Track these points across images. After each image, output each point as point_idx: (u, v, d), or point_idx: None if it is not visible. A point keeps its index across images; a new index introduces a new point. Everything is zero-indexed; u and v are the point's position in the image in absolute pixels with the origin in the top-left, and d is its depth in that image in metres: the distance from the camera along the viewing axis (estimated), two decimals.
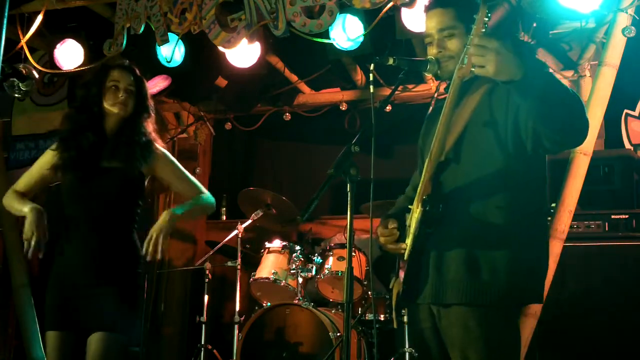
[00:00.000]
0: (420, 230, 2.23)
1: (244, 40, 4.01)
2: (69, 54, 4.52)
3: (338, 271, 4.59)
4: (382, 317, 4.60)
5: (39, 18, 4.32)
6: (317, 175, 5.78)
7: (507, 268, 2.14)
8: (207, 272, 4.91)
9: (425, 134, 2.50)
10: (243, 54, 4.33)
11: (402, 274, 2.32)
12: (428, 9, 2.36)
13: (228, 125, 5.82)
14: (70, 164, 2.91)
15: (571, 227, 3.84)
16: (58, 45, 4.52)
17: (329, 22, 3.76)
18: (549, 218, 3.79)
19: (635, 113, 5.11)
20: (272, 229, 5.42)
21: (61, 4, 4.37)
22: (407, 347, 4.15)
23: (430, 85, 5.21)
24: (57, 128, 3.06)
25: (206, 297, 4.88)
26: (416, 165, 2.57)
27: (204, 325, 4.85)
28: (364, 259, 4.68)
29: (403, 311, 3.98)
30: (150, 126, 3.06)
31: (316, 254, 4.79)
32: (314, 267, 4.69)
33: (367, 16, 3.88)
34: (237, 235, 4.92)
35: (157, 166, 3.03)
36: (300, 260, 4.69)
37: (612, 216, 3.97)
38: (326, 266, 4.66)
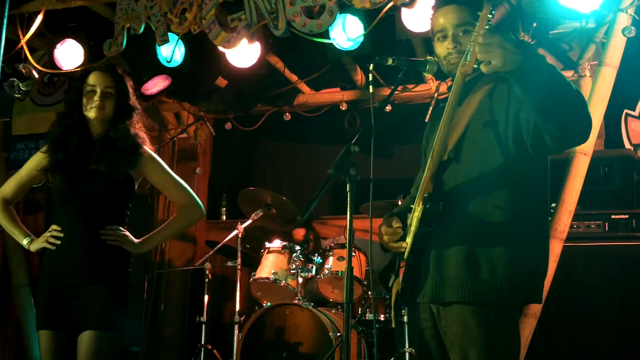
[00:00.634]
0: (420, 228, 2.23)
1: (244, 40, 4.01)
2: (69, 54, 4.51)
3: (338, 271, 4.59)
4: (382, 317, 4.60)
5: (39, 18, 4.32)
6: (317, 175, 5.78)
7: (507, 267, 2.14)
8: (207, 272, 4.91)
9: (429, 133, 2.51)
10: (243, 54, 4.33)
11: (401, 273, 2.32)
12: (442, 4, 2.35)
13: (228, 125, 5.82)
14: (59, 166, 2.94)
15: (571, 227, 3.84)
16: (58, 45, 4.52)
17: (329, 22, 3.76)
18: (549, 218, 3.79)
19: (635, 113, 5.11)
20: (272, 229, 5.42)
21: (61, 4, 4.37)
22: (407, 347, 4.15)
23: (430, 85, 5.20)
24: (47, 131, 3.07)
25: (206, 297, 4.88)
26: (418, 165, 2.57)
27: (204, 325, 4.85)
28: (364, 259, 4.68)
29: (403, 311, 4.01)
30: (136, 127, 3.05)
31: (316, 254, 4.79)
32: (314, 267, 4.69)
33: (367, 16, 3.88)
34: (237, 235, 4.92)
35: (145, 170, 3.05)
36: (300, 260, 4.69)
37: (612, 216, 3.97)
38: (326, 266, 4.66)
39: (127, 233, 2.98)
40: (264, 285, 4.82)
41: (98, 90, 2.96)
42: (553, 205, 3.82)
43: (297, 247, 4.81)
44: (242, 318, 4.68)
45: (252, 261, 5.18)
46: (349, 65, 5.16)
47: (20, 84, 4.55)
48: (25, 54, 4.43)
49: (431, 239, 2.25)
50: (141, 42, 4.28)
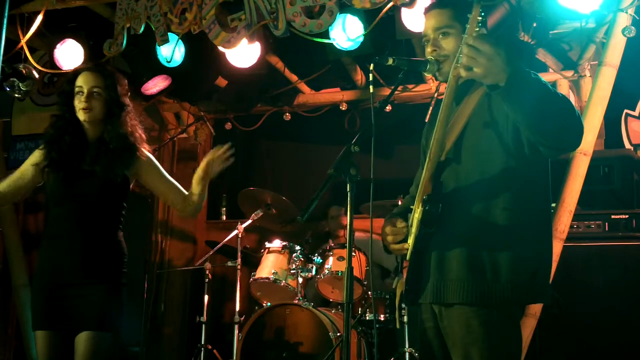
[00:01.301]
0: (420, 230, 2.23)
1: (244, 40, 4.01)
2: (69, 54, 4.51)
3: (338, 271, 4.59)
4: (382, 317, 4.60)
5: (39, 18, 4.32)
6: (317, 175, 5.78)
7: (510, 268, 2.14)
8: (207, 272, 4.91)
9: (428, 133, 2.50)
10: (243, 54, 4.33)
11: (405, 274, 2.32)
12: (426, 10, 2.39)
13: (228, 125, 5.82)
14: (53, 165, 2.93)
15: (571, 227, 3.84)
16: (58, 45, 4.51)
17: (329, 22, 3.76)
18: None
19: (635, 113, 5.11)
20: (272, 229, 5.42)
21: (61, 4, 4.37)
22: (407, 347, 4.15)
23: (430, 85, 5.21)
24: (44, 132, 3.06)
25: (206, 297, 4.88)
26: (419, 165, 2.57)
27: (204, 325, 4.85)
28: (364, 259, 4.68)
29: (403, 311, 4.01)
30: (129, 126, 3.00)
31: (316, 254, 4.79)
32: (314, 267, 4.69)
33: (367, 16, 3.88)
34: (237, 235, 4.92)
35: (140, 171, 3.02)
36: (300, 260, 4.69)
37: (612, 216, 3.97)
38: (326, 266, 4.66)
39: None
40: (264, 285, 4.82)
41: (85, 91, 2.93)
42: (553, 205, 3.82)
43: (297, 247, 4.81)
44: (242, 318, 4.68)
45: (252, 261, 5.18)
46: (349, 65, 5.16)
47: (20, 84, 4.55)
48: (25, 54, 4.43)
49: (432, 240, 2.25)
50: (141, 42, 4.28)
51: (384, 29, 3.93)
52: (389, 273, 5.00)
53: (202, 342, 4.85)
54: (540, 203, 2.25)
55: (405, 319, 4.13)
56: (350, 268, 2.17)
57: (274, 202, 5.06)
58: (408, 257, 2.28)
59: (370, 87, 2.26)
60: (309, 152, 6.27)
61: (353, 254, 4.47)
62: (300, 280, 4.65)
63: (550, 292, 2.27)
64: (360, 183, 2.18)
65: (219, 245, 5.03)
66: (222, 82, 5.10)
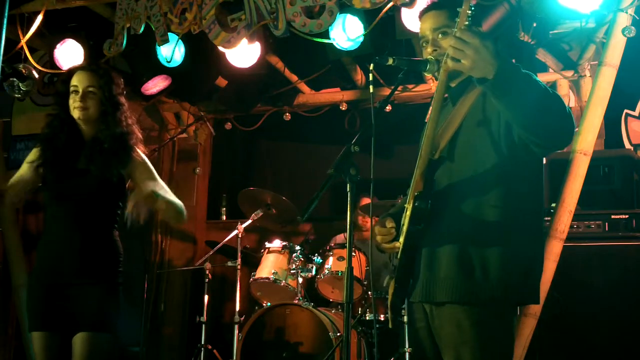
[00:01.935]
0: (410, 226, 2.22)
1: (244, 40, 4.01)
2: (69, 54, 4.51)
3: (338, 271, 4.59)
4: (382, 317, 4.60)
5: (39, 18, 4.32)
6: (317, 175, 5.78)
7: (501, 267, 2.14)
8: (207, 272, 4.91)
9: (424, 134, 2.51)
10: (243, 54, 4.33)
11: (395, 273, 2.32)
12: (422, 13, 2.39)
13: (228, 125, 5.82)
14: (47, 162, 2.93)
15: (571, 227, 3.84)
16: (58, 45, 4.51)
17: (329, 22, 3.76)
18: (549, 218, 3.79)
19: (635, 113, 5.11)
20: (272, 229, 5.42)
21: (61, 4, 4.37)
22: (407, 347, 4.15)
23: (430, 85, 5.21)
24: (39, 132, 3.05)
25: (206, 297, 4.88)
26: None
27: (204, 325, 4.85)
28: (364, 259, 4.68)
29: (403, 311, 4.01)
30: (124, 125, 2.99)
31: (316, 254, 4.79)
32: (314, 267, 4.69)
33: (367, 16, 3.88)
34: (237, 235, 4.92)
35: (133, 172, 3.00)
36: (300, 260, 4.69)
37: (612, 216, 3.97)
38: (326, 266, 4.66)
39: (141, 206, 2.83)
40: (264, 285, 4.82)
41: (80, 90, 2.93)
42: (553, 205, 3.82)
43: (297, 247, 4.81)
44: (242, 318, 4.68)
45: (252, 261, 5.18)
46: (349, 65, 5.16)
47: (20, 84, 4.55)
48: (25, 54, 4.43)
49: (423, 237, 2.25)
50: (141, 42, 4.28)
51: (384, 29, 3.93)
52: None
53: (202, 342, 4.85)
54: (532, 203, 2.25)
55: (406, 318, 4.13)
56: (350, 268, 2.17)
57: (274, 202, 5.06)
58: (399, 255, 2.28)
59: (370, 87, 2.25)
60: (309, 152, 6.27)
61: (353, 254, 4.47)
62: (300, 280, 4.65)
63: (538, 293, 2.25)
64: (360, 183, 2.18)
65: (219, 245, 5.03)
66: (222, 82, 5.10)
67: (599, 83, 3.85)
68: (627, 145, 5.04)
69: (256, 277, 4.77)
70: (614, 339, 3.80)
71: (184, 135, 5.93)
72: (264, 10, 3.87)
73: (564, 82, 4.97)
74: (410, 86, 5.31)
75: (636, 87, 4.84)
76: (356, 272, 4.52)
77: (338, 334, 4.22)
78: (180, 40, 4.23)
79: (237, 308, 4.75)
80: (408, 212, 2.23)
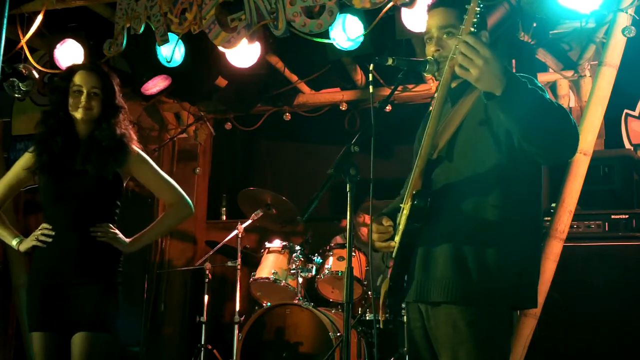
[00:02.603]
0: (408, 225, 2.22)
1: (244, 40, 4.01)
2: (69, 54, 4.51)
3: (338, 271, 4.59)
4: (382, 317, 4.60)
5: (39, 18, 4.32)
6: (317, 175, 5.78)
7: (497, 267, 2.13)
8: (207, 272, 4.91)
9: (421, 134, 2.50)
10: (243, 54, 4.33)
11: (389, 272, 2.31)
12: (431, 7, 2.35)
13: (228, 125, 5.82)
14: (44, 167, 2.93)
15: (571, 227, 3.83)
16: (58, 45, 4.51)
17: (329, 22, 3.76)
18: (549, 218, 3.79)
19: (635, 113, 5.11)
20: (272, 229, 5.42)
21: (61, 4, 4.37)
22: (407, 347, 4.15)
23: (430, 85, 5.21)
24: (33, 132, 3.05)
25: (206, 297, 4.88)
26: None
27: (204, 325, 4.85)
28: (364, 259, 4.68)
29: (403, 311, 4.00)
30: (123, 126, 3.01)
31: (316, 254, 4.79)
32: (314, 267, 4.69)
33: (367, 16, 3.88)
34: (237, 235, 4.92)
35: (132, 169, 3.02)
36: (300, 260, 4.69)
37: (612, 216, 3.97)
38: (326, 266, 4.66)
39: (117, 231, 2.96)
40: (264, 285, 4.82)
41: (85, 91, 2.93)
42: (553, 205, 3.82)
43: (297, 247, 4.81)
44: (242, 318, 4.68)
45: (252, 261, 5.18)
46: (349, 65, 5.16)
47: (20, 84, 4.55)
48: (25, 54, 4.43)
49: (420, 236, 2.24)
50: (141, 42, 4.28)
51: (384, 29, 3.93)
52: None
53: (202, 342, 4.85)
54: (531, 204, 2.24)
55: (405, 318, 4.13)
56: (350, 268, 2.17)
57: (274, 202, 5.06)
58: (394, 254, 2.28)
59: (370, 87, 2.25)
60: (309, 152, 6.27)
61: (353, 254, 4.47)
62: (300, 280, 4.65)
63: (536, 296, 2.25)
64: (360, 183, 2.18)
65: (219, 245, 5.03)
66: (222, 82, 5.10)
67: (599, 83, 3.85)
68: (627, 145, 5.04)
69: (256, 277, 4.77)
70: (614, 339, 3.80)
71: (184, 135, 5.93)
72: (264, 10, 3.87)
73: (564, 82, 4.97)
74: (410, 86, 5.31)
75: (636, 87, 4.83)
76: (356, 272, 4.52)
77: (338, 334, 4.22)
78: (180, 40, 4.22)
79: (237, 308, 4.75)
80: (406, 211, 2.22)
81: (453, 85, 2.30)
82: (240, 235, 4.92)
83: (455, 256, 2.16)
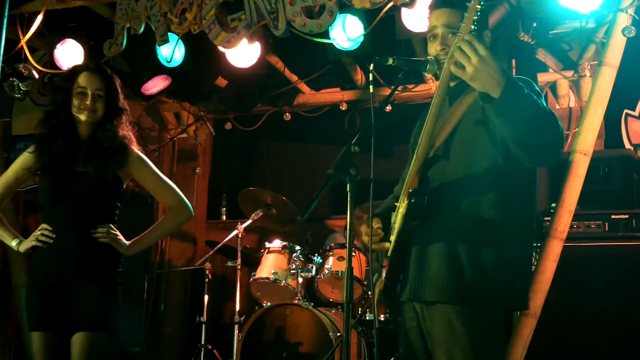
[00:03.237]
0: (405, 223, 2.22)
1: (244, 40, 4.01)
2: (69, 54, 4.51)
3: (338, 271, 4.59)
4: (382, 317, 4.60)
5: (39, 18, 4.32)
6: (317, 175, 5.78)
7: (491, 267, 2.13)
8: (207, 272, 4.92)
9: (417, 132, 2.49)
10: (243, 54, 4.33)
11: (384, 272, 2.31)
12: (437, 5, 2.35)
13: (228, 125, 5.82)
14: (45, 168, 2.93)
15: (571, 227, 3.83)
16: (58, 45, 4.51)
17: (329, 22, 3.76)
18: (549, 218, 3.78)
19: (635, 113, 5.11)
20: (272, 229, 5.42)
21: (61, 4, 4.37)
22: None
23: (430, 85, 5.20)
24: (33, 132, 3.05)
25: (206, 297, 4.89)
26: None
27: (204, 325, 4.85)
28: (364, 259, 4.68)
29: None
30: (124, 128, 3.02)
31: (316, 254, 4.79)
32: (314, 267, 4.69)
33: (367, 16, 3.88)
34: (237, 235, 4.92)
35: (133, 170, 3.03)
36: (300, 260, 4.69)
37: (612, 216, 3.97)
38: (326, 266, 4.66)
39: (118, 233, 2.96)
40: (264, 285, 4.82)
41: (89, 93, 2.93)
42: (553, 205, 3.81)
43: (297, 247, 4.81)
44: (242, 318, 4.68)
45: (252, 261, 5.18)
46: (349, 65, 5.16)
47: (20, 84, 4.55)
48: (25, 54, 4.43)
49: (415, 235, 2.24)
50: (141, 42, 4.28)
51: (384, 29, 3.92)
52: None
53: (202, 342, 4.85)
54: (527, 205, 2.25)
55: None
56: (350, 268, 2.17)
57: (274, 202, 5.06)
58: (389, 253, 2.27)
59: (370, 87, 2.25)
60: (309, 152, 6.26)
61: (353, 254, 4.47)
62: (300, 280, 4.65)
63: (527, 298, 2.26)
64: (360, 183, 2.17)
65: (219, 245, 5.03)
66: (222, 82, 5.10)
67: (599, 83, 3.84)
68: (627, 145, 5.04)
69: (256, 277, 4.77)
70: (614, 339, 3.79)
71: (184, 135, 5.93)
72: (264, 10, 3.87)
73: (564, 82, 4.97)
74: (410, 86, 5.31)
75: (636, 87, 4.83)
76: (356, 272, 4.52)
77: (338, 334, 4.22)
78: (180, 40, 4.22)
79: (237, 308, 4.75)
80: (402, 209, 2.22)
81: (452, 84, 2.30)
82: (240, 235, 4.92)
83: (450, 255, 2.16)
